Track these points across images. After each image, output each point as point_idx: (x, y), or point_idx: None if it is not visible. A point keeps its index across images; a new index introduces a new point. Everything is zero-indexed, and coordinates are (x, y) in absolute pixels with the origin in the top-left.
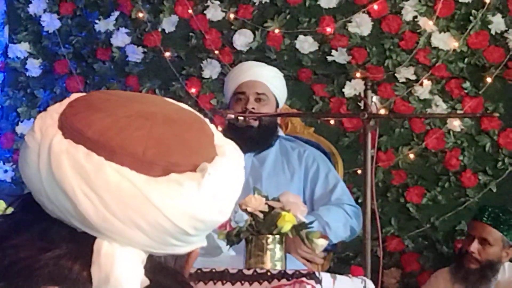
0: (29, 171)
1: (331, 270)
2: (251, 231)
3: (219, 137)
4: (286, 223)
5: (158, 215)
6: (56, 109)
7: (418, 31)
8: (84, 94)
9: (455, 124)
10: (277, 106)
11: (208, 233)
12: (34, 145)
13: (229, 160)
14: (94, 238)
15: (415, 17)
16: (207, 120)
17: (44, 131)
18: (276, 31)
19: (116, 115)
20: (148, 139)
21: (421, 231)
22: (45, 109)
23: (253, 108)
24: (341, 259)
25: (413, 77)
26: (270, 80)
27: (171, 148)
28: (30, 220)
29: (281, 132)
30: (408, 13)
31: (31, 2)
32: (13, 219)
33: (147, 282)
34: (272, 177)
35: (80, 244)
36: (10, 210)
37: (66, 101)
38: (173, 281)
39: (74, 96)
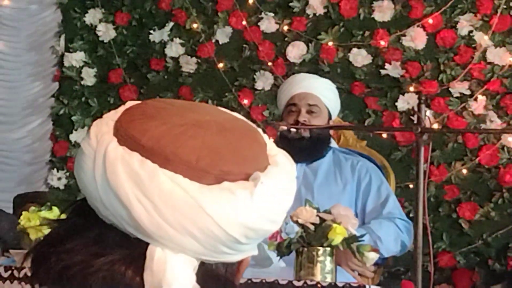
0: (84, 177)
1: (381, 284)
2: (302, 243)
3: (271, 147)
4: (337, 236)
5: (210, 223)
6: (112, 116)
7: (473, 45)
8: (139, 102)
9: (510, 140)
10: (330, 118)
11: (258, 244)
12: (90, 151)
13: (282, 169)
14: (147, 244)
15: (471, 31)
16: (259, 130)
17: (99, 138)
18: (330, 43)
19: (171, 123)
20: (201, 148)
21: (473, 247)
22: (100, 116)
23: (304, 120)
24: (392, 273)
25: (467, 92)
26: (323, 92)
27: (224, 156)
28: (84, 226)
29: (334, 144)
30: (463, 28)
31: (87, 12)
32: (68, 224)
33: None
34: (324, 187)
35: (133, 250)
36: (64, 216)
37: (122, 109)
38: None
39: (129, 103)
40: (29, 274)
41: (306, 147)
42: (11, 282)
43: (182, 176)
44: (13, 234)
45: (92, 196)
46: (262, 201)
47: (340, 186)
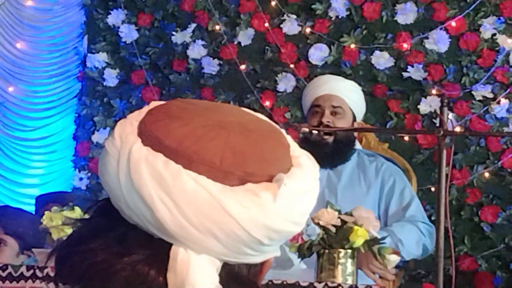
0: (108, 177)
1: (402, 287)
2: (323, 245)
3: (295, 148)
4: (358, 238)
5: (233, 224)
6: (136, 117)
7: (496, 48)
8: (162, 102)
9: None
10: (355, 119)
11: (280, 245)
12: (114, 151)
13: (305, 171)
14: (170, 244)
15: (494, 34)
16: (283, 131)
17: (124, 138)
18: (352, 46)
19: (194, 124)
20: (225, 149)
21: (495, 251)
22: (124, 117)
23: (328, 122)
24: (413, 276)
25: (490, 95)
26: (347, 94)
27: (248, 158)
28: (107, 225)
29: (359, 146)
30: (486, 31)
31: (110, 13)
32: (91, 224)
33: None
34: (348, 190)
35: (156, 250)
36: (87, 215)
37: (145, 109)
38: None
39: (153, 104)
40: (51, 273)
41: (329, 153)
42: (33, 282)
43: (205, 177)
44: (32, 233)
45: (115, 196)
46: (285, 203)
47: (364, 189)
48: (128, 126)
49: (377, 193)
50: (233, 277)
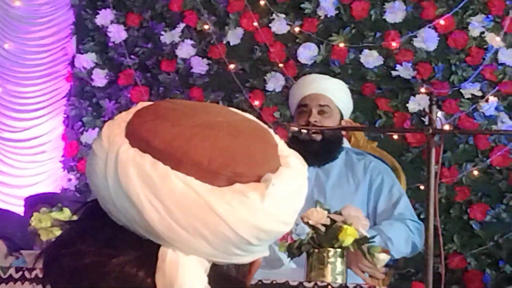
0: (96, 179)
1: (392, 286)
2: (313, 244)
3: (283, 147)
4: (348, 237)
5: (222, 225)
6: (123, 118)
7: (484, 47)
8: (150, 103)
9: None
10: (342, 118)
11: (269, 245)
12: (102, 153)
13: (293, 170)
14: (159, 246)
15: (482, 32)
16: (271, 130)
17: (111, 140)
18: (341, 45)
19: (182, 125)
20: (213, 149)
21: (484, 248)
22: (112, 118)
23: (315, 121)
24: (402, 275)
25: (479, 93)
26: (334, 92)
27: (236, 158)
28: (96, 227)
29: (347, 144)
30: (475, 29)
31: (98, 13)
32: (80, 226)
33: None
34: (337, 188)
35: (145, 251)
36: (75, 217)
37: (133, 110)
38: None
39: (141, 104)
40: (40, 275)
41: (318, 151)
42: (22, 283)
43: (194, 178)
44: (20, 234)
45: (104, 197)
46: (274, 203)
47: (352, 187)
48: (116, 127)
49: (365, 191)
50: (222, 277)
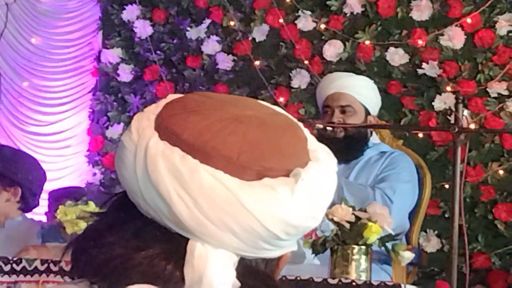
0: (125, 172)
1: (416, 284)
2: (337, 241)
3: (312, 142)
4: (372, 234)
5: (251, 219)
6: (153, 110)
7: None
8: (179, 95)
9: None
10: (369, 114)
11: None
12: (131, 146)
13: (322, 165)
14: (187, 239)
15: (510, 31)
16: (300, 124)
17: (141, 133)
18: (367, 42)
19: (211, 118)
20: (242, 143)
21: (509, 248)
22: (141, 110)
23: (339, 120)
24: (426, 273)
25: (505, 92)
26: (357, 90)
27: (265, 152)
28: (124, 219)
29: (377, 139)
30: (502, 27)
31: (124, 9)
32: (108, 218)
33: (238, 284)
34: (352, 184)
35: (173, 244)
36: (103, 209)
37: (162, 103)
38: (263, 285)
39: (170, 97)
40: (65, 267)
41: (341, 148)
42: (47, 276)
43: (223, 172)
44: (31, 177)
45: (132, 190)
46: (303, 197)
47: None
48: (145, 120)
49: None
50: (250, 272)
